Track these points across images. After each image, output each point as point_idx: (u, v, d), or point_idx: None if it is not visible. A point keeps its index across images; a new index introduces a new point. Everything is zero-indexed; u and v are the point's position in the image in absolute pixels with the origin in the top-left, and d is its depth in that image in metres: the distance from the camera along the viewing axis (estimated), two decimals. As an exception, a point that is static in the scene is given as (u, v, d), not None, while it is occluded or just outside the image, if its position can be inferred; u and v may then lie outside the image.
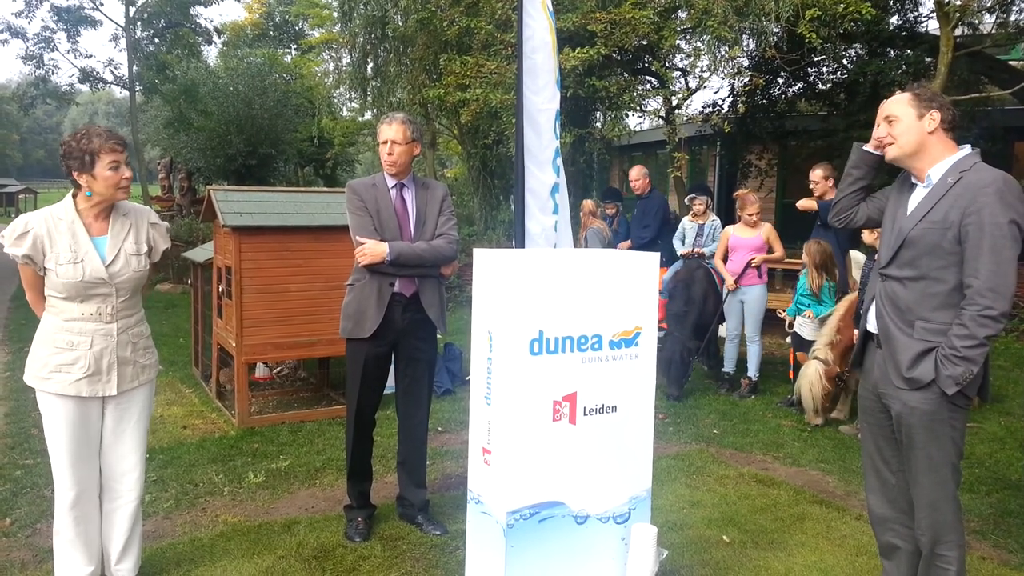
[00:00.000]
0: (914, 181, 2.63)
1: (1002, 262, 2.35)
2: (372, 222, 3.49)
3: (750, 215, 6.18)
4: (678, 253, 6.84)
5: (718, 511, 3.93)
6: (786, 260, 6.92)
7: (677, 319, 6.27)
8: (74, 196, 2.82)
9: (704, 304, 6.29)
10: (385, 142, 3.50)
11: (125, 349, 2.87)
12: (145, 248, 2.93)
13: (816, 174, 5.94)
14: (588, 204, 7.76)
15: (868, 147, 2.74)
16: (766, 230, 6.24)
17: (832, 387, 5.30)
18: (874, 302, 2.68)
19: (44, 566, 3.24)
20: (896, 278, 2.57)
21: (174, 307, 10.38)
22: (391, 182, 3.57)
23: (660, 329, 6.93)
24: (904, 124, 2.54)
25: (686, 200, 7.05)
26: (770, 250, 6.20)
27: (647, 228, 7.21)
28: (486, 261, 2.67)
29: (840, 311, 5.40)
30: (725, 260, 6.31)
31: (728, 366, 6.43)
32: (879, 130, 2.61)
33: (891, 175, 2.77)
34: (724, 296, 6.24)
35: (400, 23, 11.86)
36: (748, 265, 6.10)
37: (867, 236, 5.55)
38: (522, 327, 2.57)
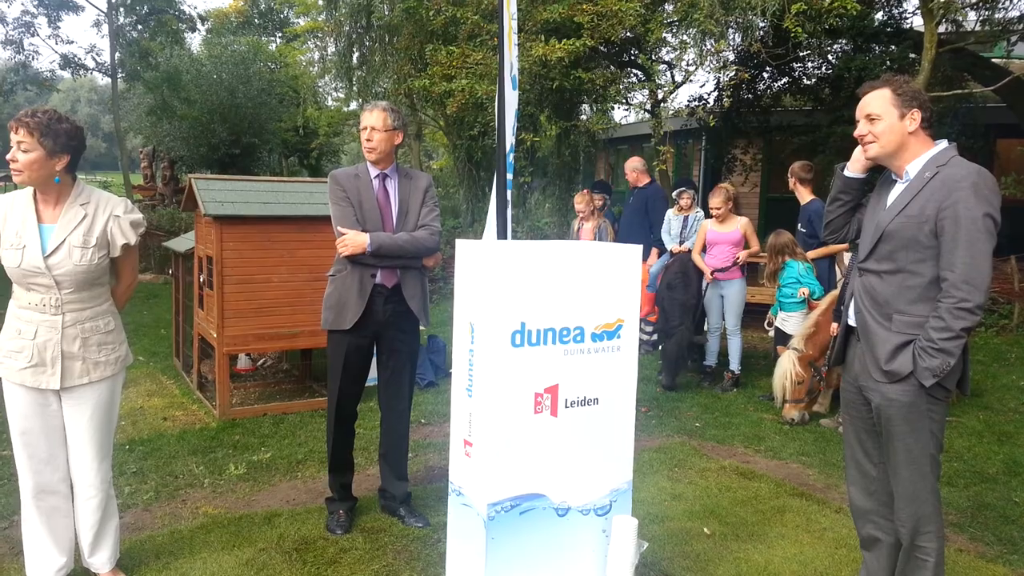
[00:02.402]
0: (894, 177, 2.65)
1: (977, 255, 2.37)
2: (354, 212, 3.46)
3: (716, 208, 6.13)
4: (670, 248, 6.83)
5: (699, 503, 3.95)
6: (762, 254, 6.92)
7: (685, 310, 6.29)
8: None
9: (698, 297, 6.33)
10: (365, 128, 3.49)
11: (72, 344, 2.76)
12: (94, 241, 2.76)
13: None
14: (584, 198, 7.31)
15: (849, 171, 2.75)
16: (743, 224, 6.22)
17: (806, 375, 5.32)
18: (852, 298, 2.70)
19: (21, 559, 3.18)
20: (874, 272, 2.59)
21: (155, 297, 10.29)
22: (374, 172, 3.55)
23: (650, 323, 6.95)
24: (885, 124, 2.54)
25: (673, 194, 7.05)
26: (747, 244, 6.21)
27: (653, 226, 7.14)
28: (468, 252, 2.66)
29: (822, 306, 5.43)
30: (703, 253, 6.31)
31: (710, 359, 6.45)
32: (860, 128, 2.62)
33: (875, 171, 2.78)
34: (704, 288, 6.26)
35: (386, 12, 11.78)
36: (735, 263, 6.11)
37: None
38: (504, 319, 2.56)
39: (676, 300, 6.35)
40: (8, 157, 2.63)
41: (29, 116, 2.64)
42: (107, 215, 2.81)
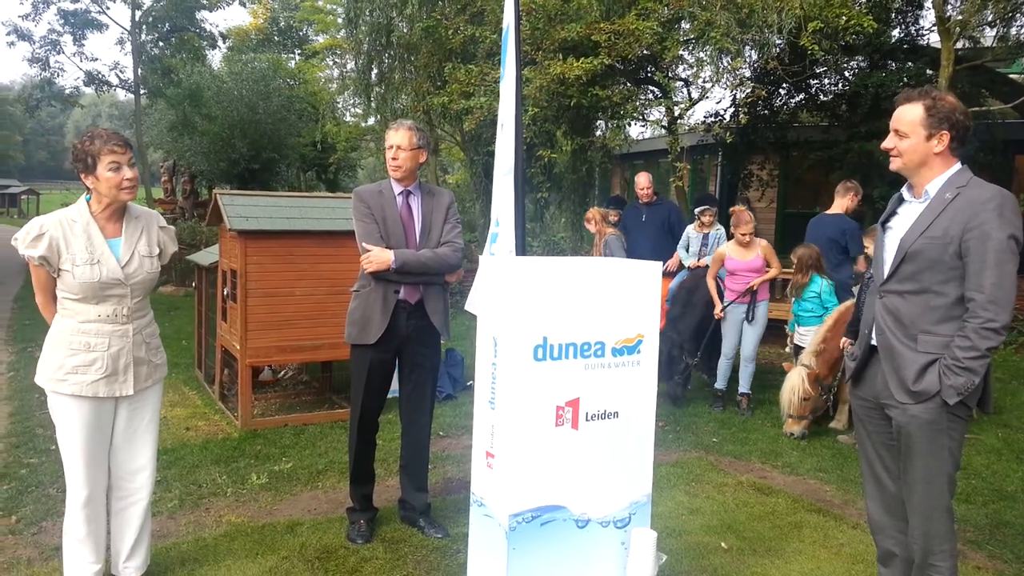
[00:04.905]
0: (907, 198, 2.68)
1: (1003, 276, 2.40)
2: (378, 229, 3.53)
3: (743, 235, 5.95)
4: (687, 265, 6.82)
5: (716, 518, 3.97)
6: (784, 270, 6.89)
7: (672, 321, 6.32)
8: (88, 199, 2.88)
9: (707, 310, 6.24)
10: (390, 147, 3.56)
11: (140, 349, 2.93)
12: (157, 250, 2.99)
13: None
14: (596, 213, 7.21)
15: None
16: (763, 247, 6.02)
17: (814, 392, 5.30)
18: (874, 320, 2.71)
19: (50, 563, 3.28)
20: (897, 292, 2.60)
21: (176, 309, 10.43)
22: (397, 189, 3.62)
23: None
24: (911, 142, 2.56)
25: (695, 211, 7.02)
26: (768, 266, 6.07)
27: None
28: (492, 269, 2.72)
29: (829, 322, 5.41)
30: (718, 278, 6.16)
31: (720, 383, 6.18)
32: (887, 140, 2.65)
33: (893, 185, 2.81)
34: (724, 306, 6.11)
35: (405, 30, 11.92)
36: (749, 290, 5.92)
37: (869, 246, 5.59)
38: (526, 333, 2.61)
39: (671, 314, 6.38)
40: (130, 176, 2.81)
41: (119, 136, 2.82)
42: (156, 226, 3.03)
